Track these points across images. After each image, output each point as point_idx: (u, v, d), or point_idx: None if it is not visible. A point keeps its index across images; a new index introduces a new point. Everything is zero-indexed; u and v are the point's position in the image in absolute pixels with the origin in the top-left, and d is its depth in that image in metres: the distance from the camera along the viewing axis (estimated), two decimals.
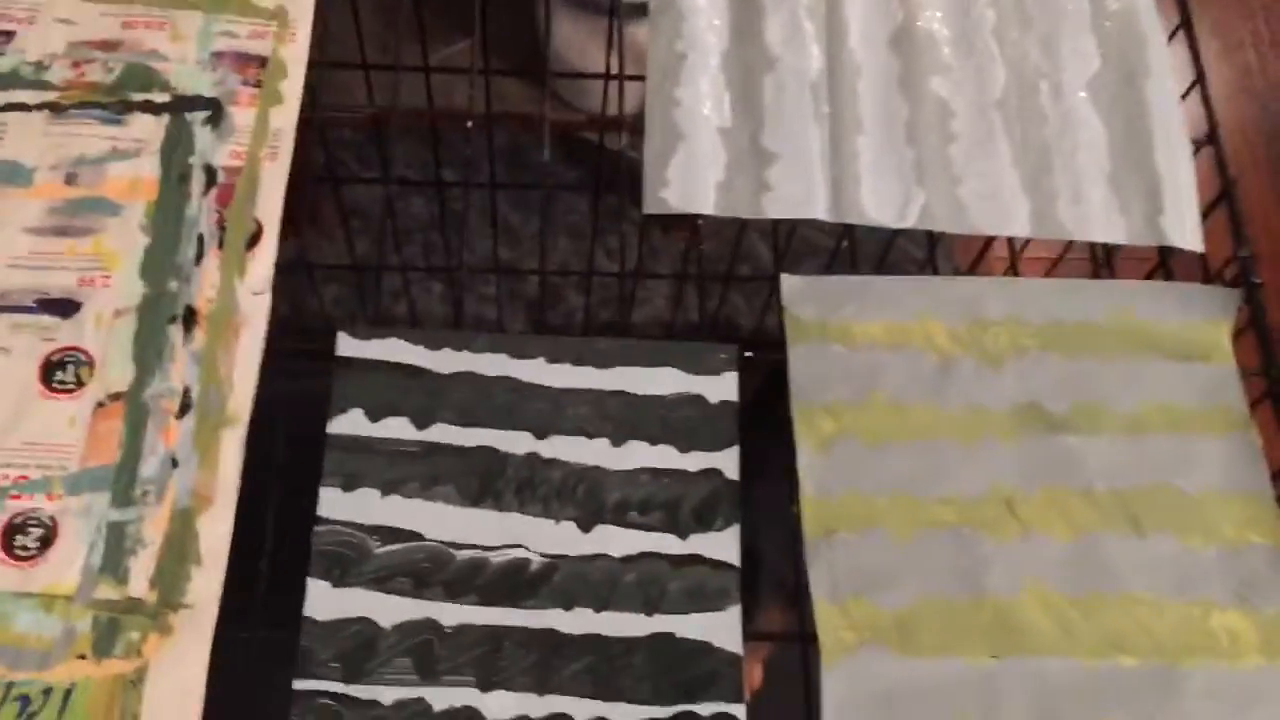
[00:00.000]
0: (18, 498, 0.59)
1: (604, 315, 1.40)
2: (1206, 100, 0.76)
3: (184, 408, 0.62)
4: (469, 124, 0.74)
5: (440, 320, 1.34)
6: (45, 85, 0.69)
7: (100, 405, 0.61)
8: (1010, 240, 0.88)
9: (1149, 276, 0.74)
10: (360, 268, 1.13)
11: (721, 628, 0.60)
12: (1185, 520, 0.64)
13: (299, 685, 0.57)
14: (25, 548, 0.58)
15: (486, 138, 0.95)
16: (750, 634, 0.60)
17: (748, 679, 0.88)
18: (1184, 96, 0.76)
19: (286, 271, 0.92)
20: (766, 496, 0.67)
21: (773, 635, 0.63)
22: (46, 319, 0.63)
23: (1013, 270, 0.91)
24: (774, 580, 0.75)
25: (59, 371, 0.62)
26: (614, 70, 0.78)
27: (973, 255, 0.95)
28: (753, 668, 1.02)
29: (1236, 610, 0.62)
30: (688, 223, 1.35)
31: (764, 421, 0.68)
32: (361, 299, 1.22)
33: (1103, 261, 0.78)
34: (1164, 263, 0.74)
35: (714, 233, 0.80)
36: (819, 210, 0.70)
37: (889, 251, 0.94)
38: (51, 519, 0.59)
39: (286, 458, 0.65)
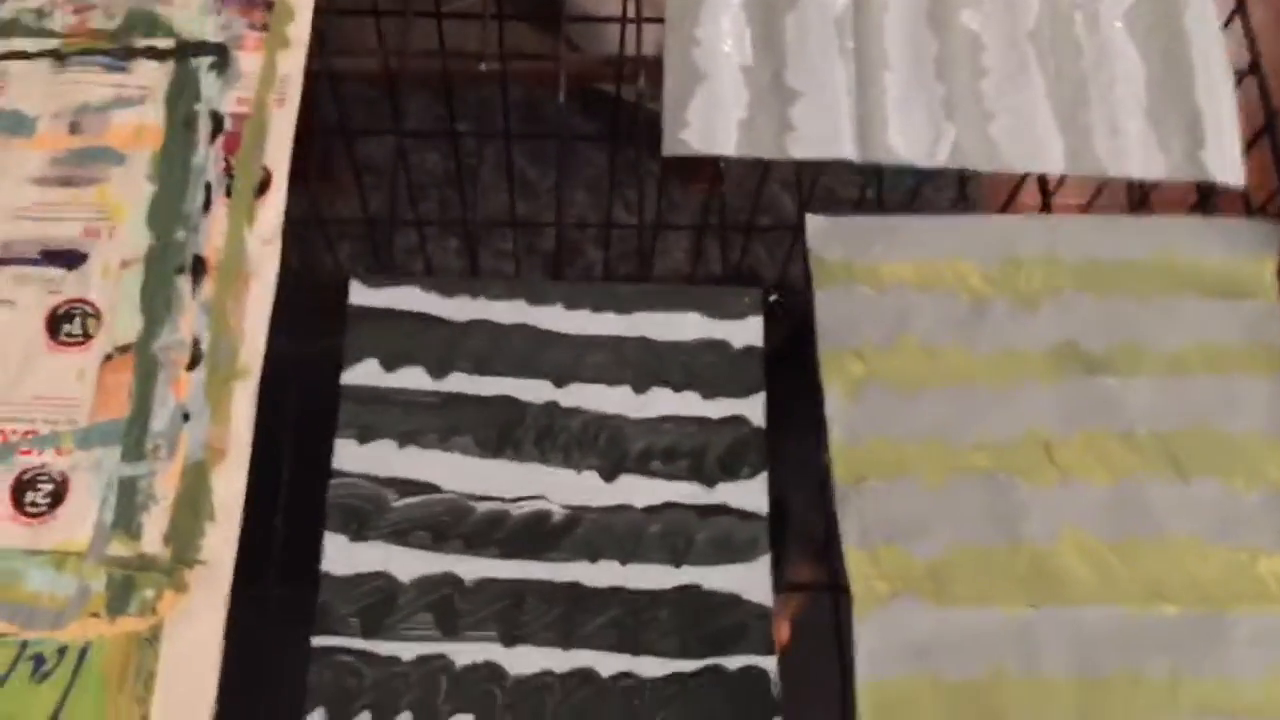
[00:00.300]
0: (27, 453, 0.58)
1: (623, 269, 1.37)
2: (1248, 30, 0.73)
3: (194, 360, 0.60)
4: (482, 66, 0.71)
5: (456, 275, 1.32)
6: (47, 33, 0.67)
7: (109, 358, 0.60)
8: (1042, 185, 0.85)
9: (1189, 211, 0.71)
10: (374, 222, 1.11)
11: (750, 579, 0.58)
12: (1229, 463, 0.62)
13: (317, 641, 0.56)
14: (35, 504, 0.57)
15: (501, 88, 0.93)
16: (780, 585, 0.58)
17: (775, 636, 0.87)
18: (1225, 26, 0.73)
19: (299, 227, 0.90)
20: (792, 448, 0.65)
21: (803, 586, 0.62)
22: (52, 271, 0.62)
23: (1045, 204, 0.89)
24: (801, 533, 0.73)
25: (66, 324, 0.60)
26: (631, 14, 0.76)
27: (1000, 203, 0.92)
28: (780, 625, 1.01)
29: None
30: (707, 172, 1.33)
31: (787, 371, 0.66)
32: (376, 255, 1.20)
33: (1138, 203, 0.75)
34: (1203, 201, 0.71)
35: (734, 183, 0.78)
36: (845, 150, 0.68)
37: (914, 200, 0.91)
38: (62, 475, 0.57)
39: (300, 411, 0.63)
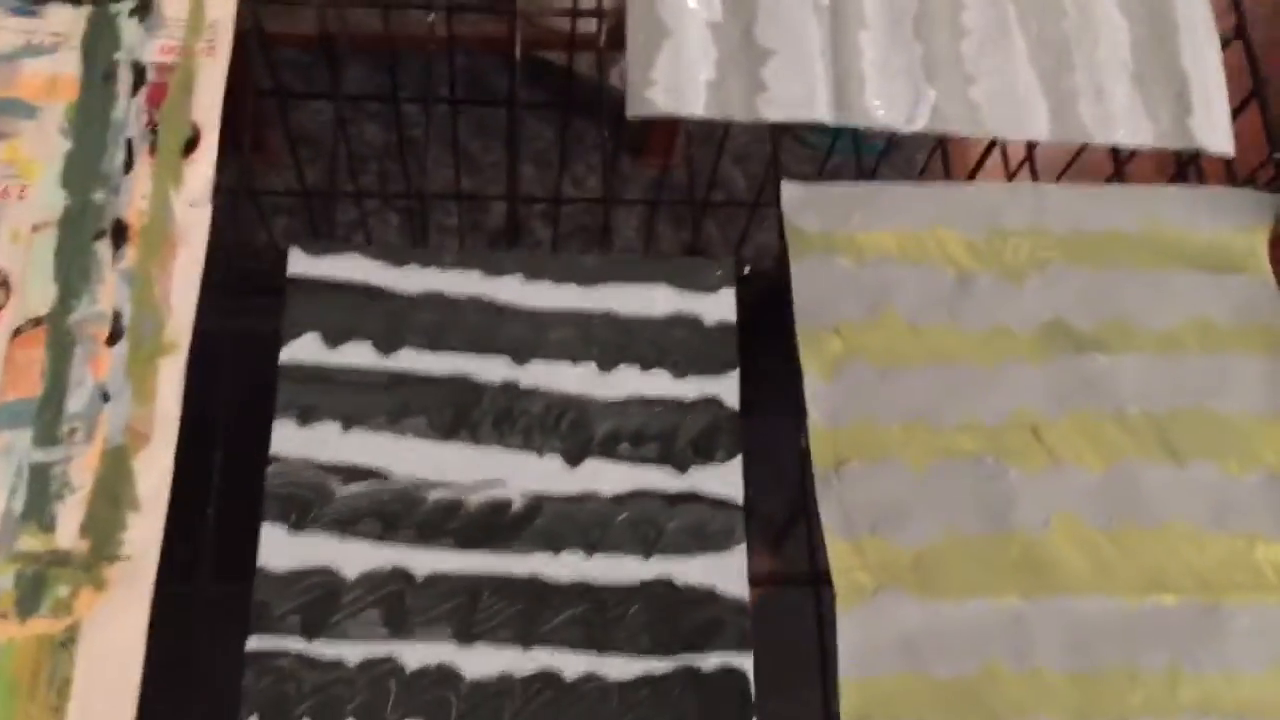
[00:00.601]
0: None
1: (573, 246, 1.33)
2: None
3: (115, 334, 0.54)
4: (430, 17, 0.66)
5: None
6: None
7: (19, 332, 0.54)
8: (1004, 160, 0.82)
9: (1170, 180, 0.68)
10: (311, 194, 1.05)
11: (725, 571, 0.54)
12: (1224, 445, 0.59)
13: (253, 644, 0.51)
14: None
15: (448, 52, 0.88)
16: (756, 578, 0.54)
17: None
18: None
19: (230, 198, 0.84)
20: (754, 430, 0.61)
21: (782, 578, 0.57)
22: None
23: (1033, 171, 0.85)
24: (760, 520, 0.70)
25: None
26: None
27: (970, 168, 0.89)
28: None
29: None
30: (659, 146, 1.28)
31: (750, 350, 0.62)
32: (314, 230, 1.14)
33: (1113, 172, 0.72)
34: (1182, 171, 0.68)
35: (684, 159, 0.74)
36: (820, 112, 0.64)
37: (878, 168, 0.88)
38: None
39: (235, 390, 0.58)
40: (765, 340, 0.61)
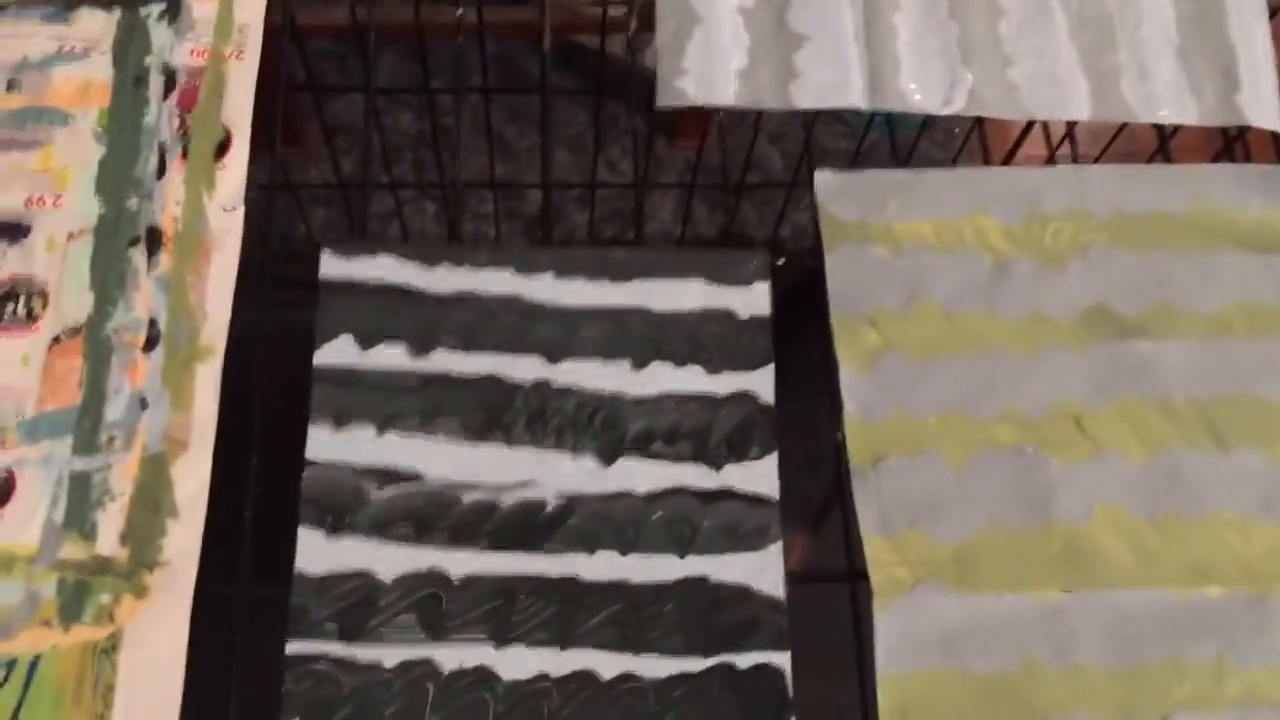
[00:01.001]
0: None
1: (609, 231, 1.32)
2: None
3: (151, 341, 0.55)
4: (459, 11, 0.66)
5: (436, 242, 1.27)
6: None
7: (57, 341, 0.55)
8: (1046, 135, 0.80)
9: (1214, 159, 0.66)
10: (347, 186, 1.06)
11: (761, 569, 0.54)
12: (1272, 432, 0.57)
13: (292, 648, 0.51)
14: None
15: (478, 39, 0.87)
16: (794, 575, 0.54)
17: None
18: None
19: (268, 193, 0.84)
20: (787, 418, 0.60)
21: (818, 575, 0.57)
22: None
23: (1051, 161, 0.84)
24: (795, 510, 0.69)
25: (9, 304, 0.55)
26: None
27: (1003, 156, 0.87)
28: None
29: None
30: (694, 128, 1.27)
31: (783, 337, 0.61)
32: (350, 221, 1.14)
33: (1158, 152, 0.70)
34: (1229, 146, 0.67)
35: (719, 141, 0.73)
36: (854, 98, 0.62)
37: (911, 157, 0.86)
38: (7, 471, 0.52)
39: (271, 394, 0.58)
40: (802, 324, 0.60)
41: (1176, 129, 0.66)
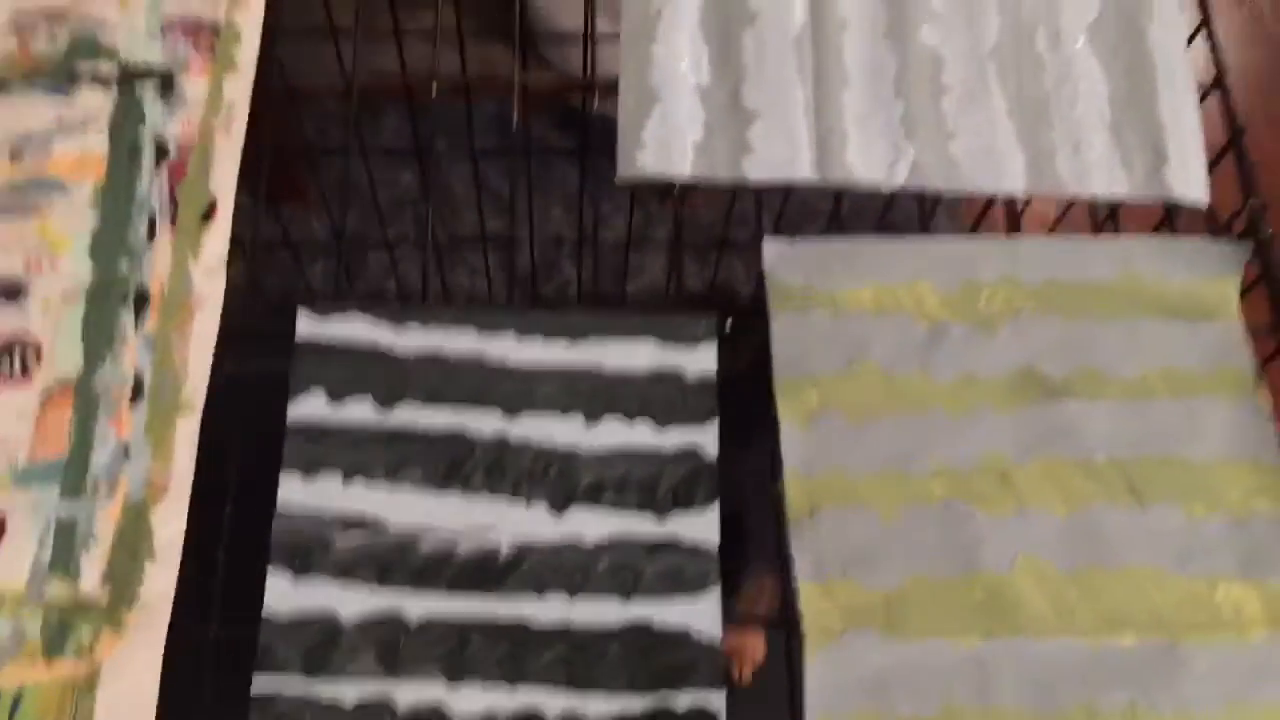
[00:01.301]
0: None
1: (600, 284, 1.36)
2: (1214, 44, 0.72)
3: (136, 395, 0.59)
4: (433, 93, 0.70)
5: (432, 295, 1.31)
6: None
7: (49, 394, 0.59)
8: (1010, 199, 0.84)
9: (1155, 230, 0.70)
10: (340, 241, 1.10)
11: (700, 613, 0.57)
12: (1189, 489, 0.61)
13: (257, 684, 0.55)
14: None
15: (465, 108, 0.92)
16: (729, 618, 0.57)
17: (750, 656, 0.86)
18: (1190, 42, 0.72)
19: (269, 248, 0.88)
20: (760, 466, 0.63)
21: (753, 619, 0.60)
22: None
23: (1014, 226, 0.88)
24: (768, 556, 0.72)
25: (5, 359, 0.59)
26: (599, 30, 0.75)
27: (977, 210, 0.91)
28: (755, 642, 0.99)
29: (1242, 582, 0.58)
30: (674, 188, 1.31)
31: (760, 388, 0.65)
32: (348, 274, 1.19)
33: (1106, 215, 0.74)
34: (1169, 217, 0.70)
35: (711, 197, 0.76)
36: (803, 171, 0.67)
37: (890, 210, 0.90)
38: (0, 515, 0.56)
39: (248, 442, 0.62)
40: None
41: (1117, 207, 0.70)
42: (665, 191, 1.41)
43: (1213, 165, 0.69)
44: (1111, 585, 0.58)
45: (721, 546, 0.59)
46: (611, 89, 0.70)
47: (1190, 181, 0.67)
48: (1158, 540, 0.59)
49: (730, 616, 0.57)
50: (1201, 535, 0.59)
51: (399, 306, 0.63)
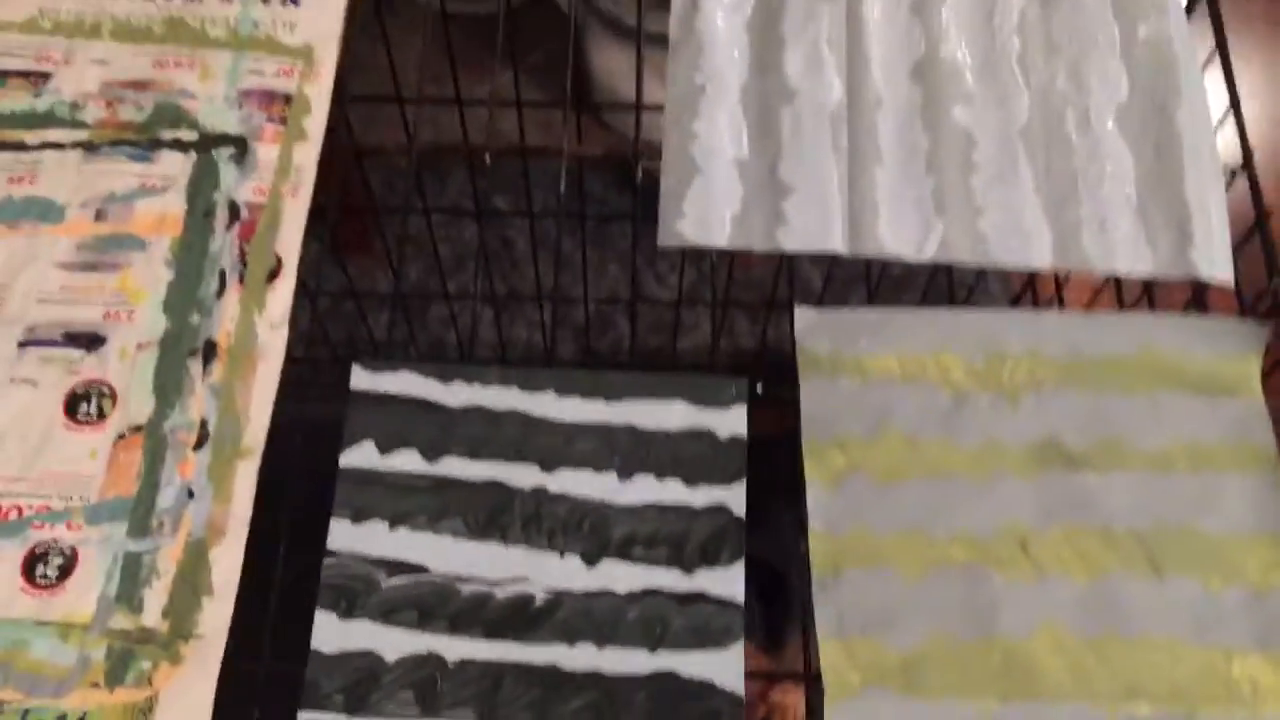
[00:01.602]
0: (40, 527, 0.61)
1: (653, 341, 1.40)
2: (1241, 128, 0.74)
3: (200, 440, 0.63)
4: (486, 159, 0.75)
5: (489, 347, 1.35)
6: (79, 124, 0.71)
7: (121, 437, 0.63)
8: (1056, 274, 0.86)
9: (1185, 307, 0.72)
10: (404, 296, 1.15)
11: (724, 666, 0.59)
12: (1207, 562, 0.62)
13: (303, 718, 0.58)
14: (45, 576, 0.60)
15: (523, 171, 0.96)
16: (753, 673, 0.60)
17: (791, 713, 0.87)
18: (1219, 125, 0.74)
19: (338, 299, 0.92)
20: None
21: (775, 675, 0.63)
22: (73, 352, 0.65)
23: (1059, 295, 0.90)
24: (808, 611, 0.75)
25: (83, 404, 0.64)
26: (646, 100, 0.79)
27: (1024, 278, 0.93)
28: (795, 699, 1.01)
29: (1259, 656, 0.60)
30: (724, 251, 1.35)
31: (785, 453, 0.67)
32: (410, 327, 1.23)
33: (1141, 293, 0.76)
34: (1198, 294, 0.72)
35: (766, 256, 0.80)
36: (835, 243, 0.69)
37: (937, 274, 0.93)
38: (71, 549, 0.60)
39: (303, 483, 0.66)
40: None
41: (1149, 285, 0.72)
42: (719, 251, 1.45)
43: (1238, 247, 0.71)
44: (1129, 654, 0.60)
45: (766, 603, 0.61)
46: (657, 152, 0.73)
47: (1215, 261, 0.69)
48: (1175, 611, 0.61)
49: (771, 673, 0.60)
50: (1219, 607, 0.61)
51: (447, 365, 0.66)
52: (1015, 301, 1.05)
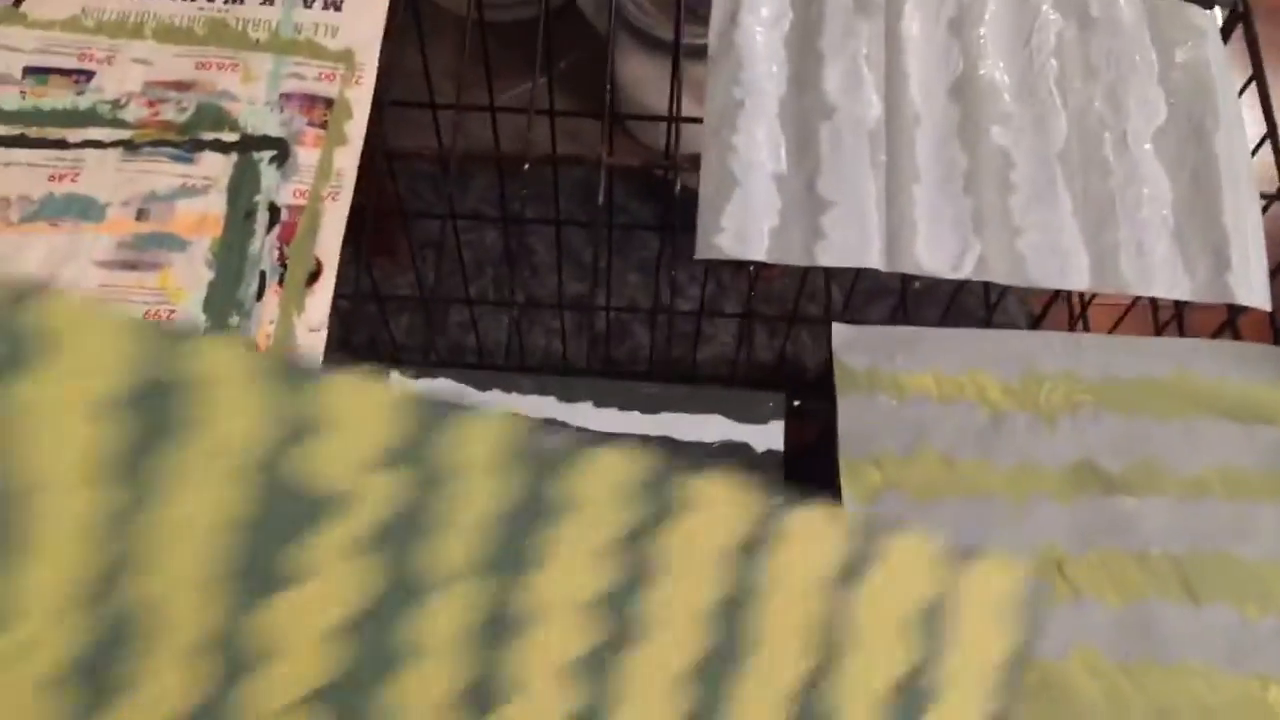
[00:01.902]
0: None
1: (672, 351, 1.40)
2: (1277, 153, 0.74)
3: None
4: (525, 166, 0.75)
5: (508, 352, 1.36)
6: (121, 124, 0.71)
7: None
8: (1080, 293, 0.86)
9: (1218, 331, 0.72)
10: (426, 299, 1.15)
11: None
12: (1243, 589, 0.62)
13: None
14: None
15: (553, 175, 0.97)
16: None
17: None
18: (1255, 150, 0.74)
19: (358, 301, 0.93)
20: None
21: None
22: None
23: (1082, 316, 0.90)
24: None
25: None
26: (682, 110, 0.79)
27: (1045, 297, 0.93)
28: None
29: None
30: (749, 265, 1.35)
31: (819, 465, 0.67)
32: (430, 330, 1.24)
33: (1173, 313, 0.76)
34: (1233, 319, 0.72)
35: (786, 270, 0.80)
36: (873, 259, 0.70)
37: (960, 291, 0.93)
38: None
39: None
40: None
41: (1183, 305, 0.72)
42: (739, 265, 1.45)
43: (1276, 272, 0.71)
44: (1164, 680, 0.60)
45: None
46: (692, 164, 0.74)
47: (1252, 286, 0.69)
48: (1211, 638, 0.61)
49: None
50: (1255, 635, 0.61)
51: (483, 372, 0.67)
52: (1036, 323, 1.05)
